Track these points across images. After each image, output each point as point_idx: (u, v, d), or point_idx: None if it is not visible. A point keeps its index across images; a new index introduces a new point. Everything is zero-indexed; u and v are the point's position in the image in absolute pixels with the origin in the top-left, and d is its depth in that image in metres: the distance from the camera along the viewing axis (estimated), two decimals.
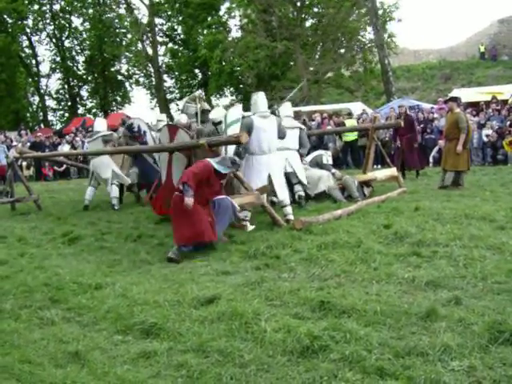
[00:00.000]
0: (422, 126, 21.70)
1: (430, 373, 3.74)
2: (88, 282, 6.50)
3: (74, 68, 50.26)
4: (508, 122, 20.06)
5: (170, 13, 46.06)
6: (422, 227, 8.38)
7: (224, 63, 39.82)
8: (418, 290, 5.56)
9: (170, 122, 12.27)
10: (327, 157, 13.16)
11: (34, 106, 51.35)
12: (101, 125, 14.33)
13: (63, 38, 49.10)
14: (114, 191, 13.50)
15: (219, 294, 5.63)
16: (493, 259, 6.52)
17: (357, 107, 27.68)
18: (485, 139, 19.84)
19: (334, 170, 12.95)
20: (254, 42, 35.87)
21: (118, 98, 52.04)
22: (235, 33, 43.15)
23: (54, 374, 4.13)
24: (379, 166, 18.79)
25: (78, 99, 50.90)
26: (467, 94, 26.61)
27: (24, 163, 25.01)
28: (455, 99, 14.08)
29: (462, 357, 3.99)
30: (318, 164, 12.82)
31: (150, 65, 47.41)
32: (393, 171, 13.80)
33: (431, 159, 20.75)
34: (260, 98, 9.91)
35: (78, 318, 5.44)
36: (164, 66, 48.22)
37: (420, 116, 22.54)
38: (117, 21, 48.42)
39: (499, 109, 22.05)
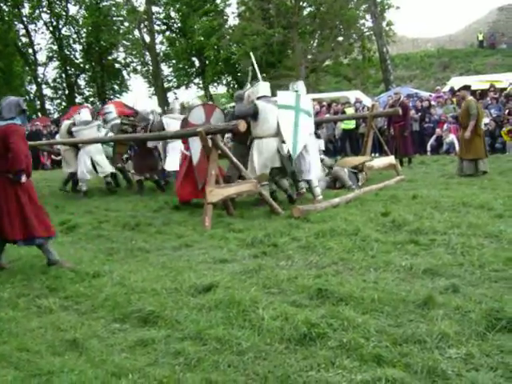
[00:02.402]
0: (419, 114, 21.68)
1: (428, 360, 3.75)
2: (86, 271, 6.50)
3: (71, 56, 50.10)
4: (506, 111, 20.00)
5: (166, 0, 45.78)
6: (419, 215, 8.41)
7: (221, 51, 39.63)
8: (415, 278, 5.57)
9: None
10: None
11: (32, 95, 51.22)
12: (88, 114, 14.59)
13: (60, 26, 48.91)
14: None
15: (217, 281, 5.63)
16: (490, 247, 6.53)
17: (355, 95, 27.59)
18: (483, 128, 19.77)
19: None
20: (251, 27, 35.66)
21: (116, 87, 51.95)
22: (232, 20, 42.89)
23: (52, 362, 4.13)
24: (377, 154, 18.79)
25: (75, 88, 50.76)
26: (465, 83, 26.46)
27: None
28: (467, 87, 14.16)
29: (459, 344, 4.00)
30: None
31: (147, 53, 47.22)
32: (391, 159, 13.84)
33: (429, 147, 20.72)
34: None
35: (76, 306, 5.45)
36: (161, 54, 48.04)
37: (418, 104, 22.49)
38: (114, 9, 48.18)
39: (497, 97, 21.98)
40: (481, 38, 47.10)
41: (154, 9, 46.23)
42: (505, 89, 24.05)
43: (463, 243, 6.68)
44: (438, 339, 4.06)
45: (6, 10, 45.55)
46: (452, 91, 24.87)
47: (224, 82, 45.21)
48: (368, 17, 36.93)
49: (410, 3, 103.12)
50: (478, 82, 26.99)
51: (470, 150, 13.11)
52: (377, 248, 6.74)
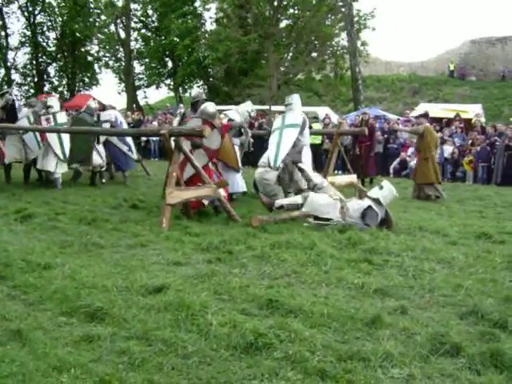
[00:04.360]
0: (385, 136, 21.95)
1: (370, 378, 3.79)
2: (37, 261, 6.42)
3: (44, 44, 49.43)
4: (470, 141, 20.37)
5: None
6: (375, 235, 8.48)
7: (194, 53, 39.46)
8: (365, 297, 5.62)
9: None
10: None
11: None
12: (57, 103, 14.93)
13: (36, 12, 48.25)
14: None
15: (168, 283, 5.61)
16: (442, 272, 6.63)
17: (323, 112, 27.71)
18: (447, 156, 20.11)
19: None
20: (225, 32, 35.64)
21: (86, 79, 51.34)
22: (210, 25, 42.80)
23: None
24: (340, 172, 18.90)
25: (45, 76, 50.06)
26: (433, 110, 26.94)
27: None
28: (426, 115, 14.61)
29: (402, 365, 4.05)
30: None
31: (121, 49, 46.84)
32: (352, 178, 13.92)
33: (391, 170, 20.96)
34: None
35: (24, 297, 5.37)
36: (135, 51, 47.67)
37: (385, 126, 22.77)
38: (91, 0, 47.71)
39: (462, 127, 22.38)
40: (452, 67, 47.86)
41: (133, 5, 45.94)
42: (470, 119, 24.49)
43: (415, 266, 6.77)
44: (382, 358, 4.09)
45: None
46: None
47: (194, 84, 45.05)
48: (344, 35, 37.24)
49: (387, 26, 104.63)
50: (445, 111, 27.48)
51: (419, 174, 13.65)
52: (330, 264, 6.77)
